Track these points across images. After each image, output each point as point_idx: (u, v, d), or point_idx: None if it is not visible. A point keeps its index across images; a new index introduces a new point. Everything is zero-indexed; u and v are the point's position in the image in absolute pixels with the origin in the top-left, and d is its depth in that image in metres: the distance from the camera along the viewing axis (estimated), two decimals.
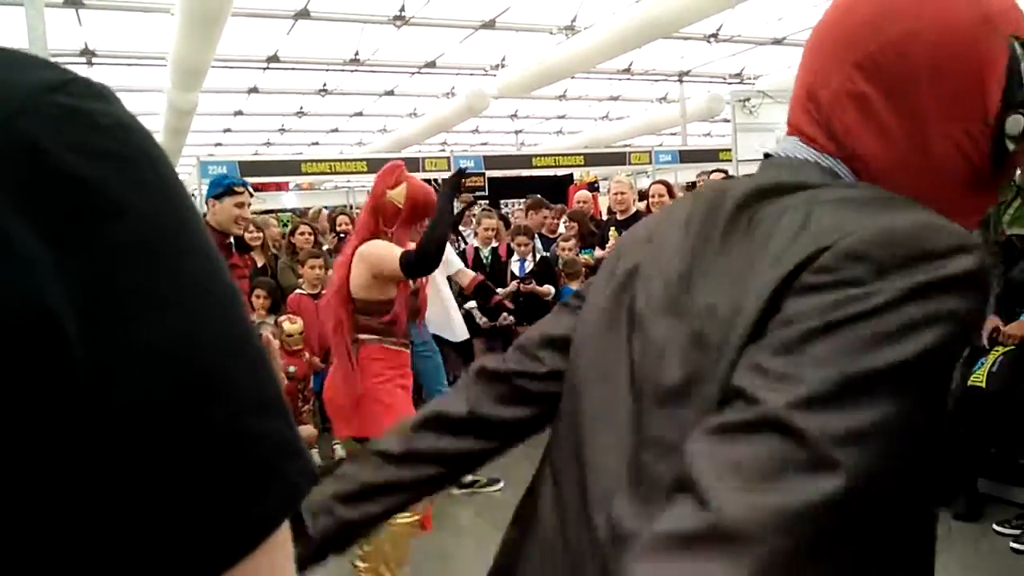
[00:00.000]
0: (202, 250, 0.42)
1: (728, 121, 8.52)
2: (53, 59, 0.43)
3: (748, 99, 7.62)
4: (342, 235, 6.36)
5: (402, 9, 9.24)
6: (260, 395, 0.43)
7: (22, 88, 0.37)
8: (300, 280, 5.07)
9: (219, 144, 16.82)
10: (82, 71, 0.63)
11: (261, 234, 5.56)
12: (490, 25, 9.91)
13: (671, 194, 5.18)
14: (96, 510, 0.37)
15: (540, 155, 11.80)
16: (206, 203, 3.73)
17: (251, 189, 5.05)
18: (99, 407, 0.36)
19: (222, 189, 3.58)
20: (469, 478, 4.15)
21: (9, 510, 0.34)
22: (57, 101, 0.37)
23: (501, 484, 4.20)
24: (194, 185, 8.96)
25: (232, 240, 3.60)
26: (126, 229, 0.37)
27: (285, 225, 7.66)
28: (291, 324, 4.68)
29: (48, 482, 0.35)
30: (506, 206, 8.93)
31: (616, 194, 5.77)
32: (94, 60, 10.00)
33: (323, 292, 4.36)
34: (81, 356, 0.35)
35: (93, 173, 0.37)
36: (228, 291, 0.43)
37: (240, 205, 3.54)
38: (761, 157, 0.80)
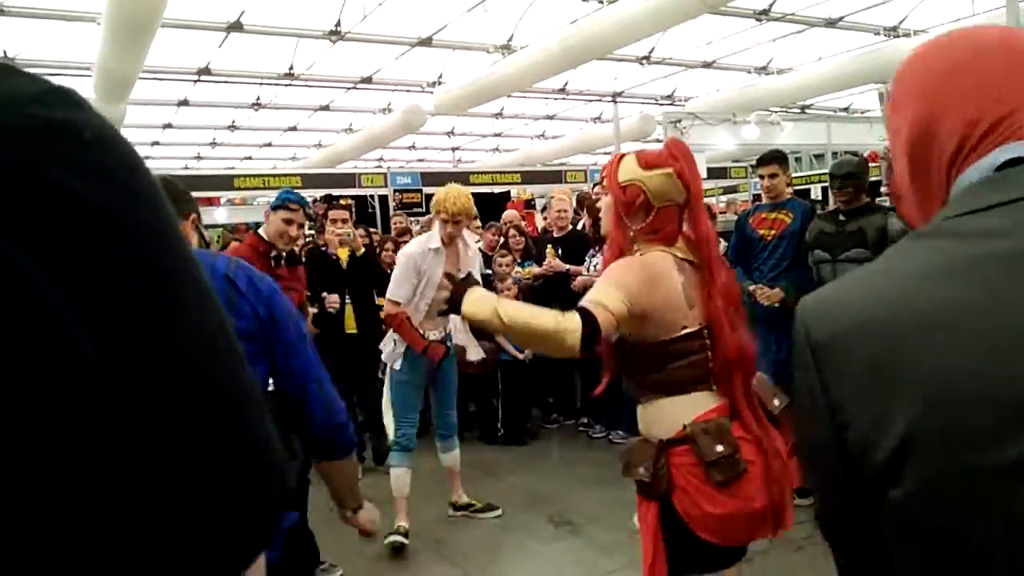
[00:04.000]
0: (187, 255, 0.42)
1: (660, 141, 8.73)
2: None
3: (679, 120, 7.83)
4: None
5: (338, 24, 9.19)
6: (257, 399, 0.45)
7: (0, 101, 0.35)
8: None
9: (148, 157, 16.20)
10: None
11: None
12: (427, 42, 9.94)
13: None
14: (108, 508, 0.37)
15: (477, 172, 11.84)
16: (264, 214, 3.66)
17: (310, 210, 4.75)
18: (121, 414, 0.36)
19: (279, 202, 3.51)
20: (464, 499, 4.07)
21: (30, 507, 0.35)
22: (38, 114, 0.36)
23: (499, 512, 4.05)
24: None
25: (283, 253, 3.51)
26: (123, 246, 0.37)
27: (218, 241, 7.47)
28: None
29: (68, 476, 0.36)
30: None
31: (558, 211, 5.76)
32: None
33: None
34: (101, 371, 0.35)
35: (83, 190, 0.35)
36: (214, 298, 0.44)
37: (288, 221, 3.45)
38: None
